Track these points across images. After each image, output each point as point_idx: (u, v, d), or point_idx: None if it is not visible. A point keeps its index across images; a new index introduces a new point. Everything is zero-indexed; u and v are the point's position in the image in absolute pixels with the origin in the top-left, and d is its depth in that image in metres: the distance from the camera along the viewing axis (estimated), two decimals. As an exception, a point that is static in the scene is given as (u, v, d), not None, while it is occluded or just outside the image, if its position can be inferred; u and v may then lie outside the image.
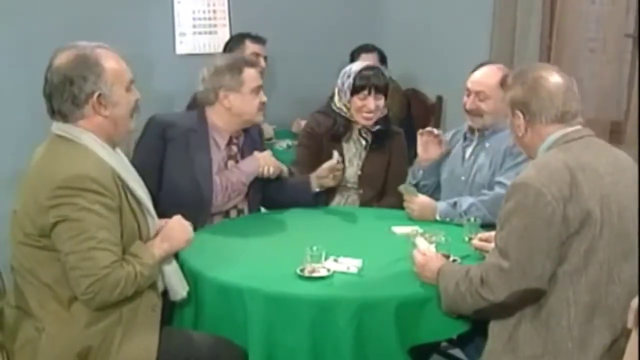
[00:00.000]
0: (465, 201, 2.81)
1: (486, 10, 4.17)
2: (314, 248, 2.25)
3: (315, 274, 2.21)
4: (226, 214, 2.95)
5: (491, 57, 4.05)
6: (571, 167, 1.95)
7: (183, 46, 4.28)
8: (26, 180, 2.05)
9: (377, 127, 3.20)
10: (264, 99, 2.91)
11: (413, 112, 4.66)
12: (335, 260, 2.30)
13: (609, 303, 1.96)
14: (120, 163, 2.14)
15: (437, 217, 2.83)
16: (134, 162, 2.59)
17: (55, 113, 2.07)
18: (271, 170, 2.90)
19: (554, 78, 2.10)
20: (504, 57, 4.05)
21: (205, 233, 2.70)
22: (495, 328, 2.06)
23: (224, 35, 4.38)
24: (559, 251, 1.93)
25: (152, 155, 2.80)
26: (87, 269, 1.94)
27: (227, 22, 4.47)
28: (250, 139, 3.03)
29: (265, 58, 4.17)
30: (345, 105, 3.17)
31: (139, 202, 2.13)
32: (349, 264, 2.29)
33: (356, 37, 4.59)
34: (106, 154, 2.07)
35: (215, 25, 4.44)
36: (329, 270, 2.24)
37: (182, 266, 2.37)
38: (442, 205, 2.84)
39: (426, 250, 2.27)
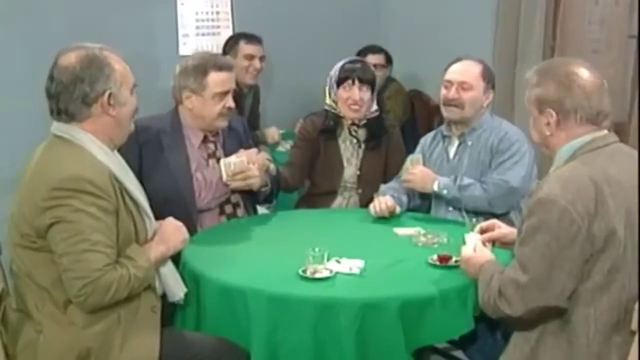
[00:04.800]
0: (466, 179, 2.84)
1: (489, 12, 4.17)
2: (316, 249, 2.25)
3: (317, 275, 2.21)
4: (221, 209, 2.94)
5: (494, 58, 4.06)
6: (597, 182, 1.88)
7: (186, 47, 4.27)
8: (24, 182, 2.05)
9: (364, 121, 3.21)
10: (231, 104, 2.85)
11: (416, 113, 4.66)
12: (338, 261, 2.30)
13: (628, 320, 1.91)
14: (118, 165, 2.14)
15: (435, 188, 2.86)
16: None
17: (62, 112, 2.06)
18: (256, 166, 2.86)
19: (587, 74, 2.00)
20: (507, 59, 4.06)
21: (207, 234, 2.72)
22: (518, 339, 2.01)
23: (227, 37, 4.38)
24: (581, 269, 1.88)
25: (130, 161, 2.80)
26: (80, 271, 1.94)
27: (230, 23, 4.47)
28: (233, 134, 3.02)
29: (262, 58, 4.15)
30: (334, 101, 3.21)
31: (136, 203, 2.13)
32: (351, 265, 2.28)
33: (359, 38, 4.60)
34: (104, 156, 2.08)
35: (218, 27, 4.44)
36: (331, 271, 2.24)
37: (184, 267, 2.38)
38: (443, 178, 2.87)
39: (476, 246, 2.21)
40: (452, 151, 2.99)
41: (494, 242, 2.30)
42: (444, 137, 3.05)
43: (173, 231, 2.22)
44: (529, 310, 1.90)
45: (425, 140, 3.14)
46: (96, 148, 2.07)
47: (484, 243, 2.25)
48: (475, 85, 2.90)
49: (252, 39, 4.14)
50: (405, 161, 3.01)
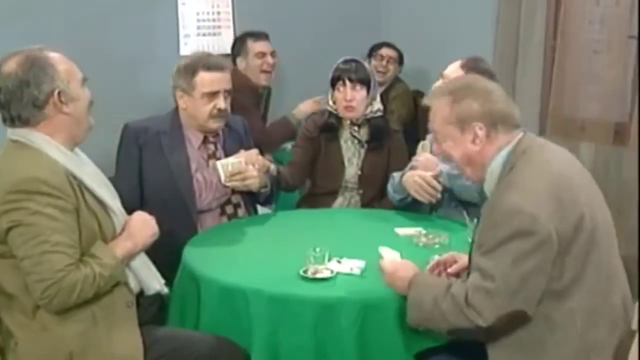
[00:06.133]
0: None
1: (490, 12, 4.17)
2: (317, 249, 2.25)
3: (318, 275, 2.22)
4: (222, 209, 2.94)
5: (495, 58, 4.05)
6: (549, 180, 1.92)
7: (187, 48, 4.28)
8: None
9: (363, 120, 3.22)
10: (221, 105, 2.83)
11: (418, 114, 4.66)
12: (339, 262, 2.30)
13: (610, 301, 1.96)
14: (78, 164, 2.11)
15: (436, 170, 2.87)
16: (118, 173, 2.60)
17: (15, 119, 2.04)
18: (256, 167, 2.87)
19: (493, 83, 2.09)
20: (507, 59, 4.06)
21: (207, 234, 2.72)
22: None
23: (228, 37, 4.38)
24: (549, 272, 1.89)
25: (130, 163, 2.81)
26: (42, 273, 1.92)
27: (231, 23, 4.47)
28: (234, 135, 3.03)
29: (273, 53, 4.12)
30: (334, 102, 3.22)
31: (100, 201, 2.10)
32: (352, 265, 2.29)
33: (360, 39, 4.60)
34: (61, 155, 2.05)
35: (219, 27, 4.44)
36: (332, 271, 2.24)
37: (184, 268, 2.38)
38: (445, 166, 2.87)
39: (393, 258, 2.22)
40: None
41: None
42: None
43: (141, 226, 2.18)
44: (499, 317, 1.89)
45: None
46: (52, 148, 2.04)
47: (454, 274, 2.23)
48: (450, 74, 2.93)
49: (258, 36, 4.11)
50: (420, 144, 3.05)
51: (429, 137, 3.16)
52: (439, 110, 2.08)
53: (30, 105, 2.02)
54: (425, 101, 2.14)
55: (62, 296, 1.94)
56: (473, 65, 2.93)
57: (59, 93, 2.04)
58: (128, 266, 2.14)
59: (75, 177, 2.04)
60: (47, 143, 2.04)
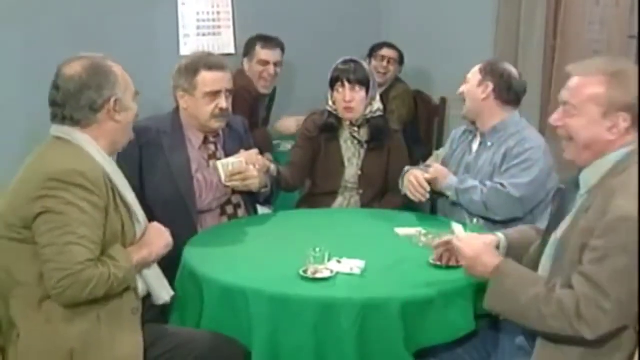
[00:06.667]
0: (471, 182, 2.85)
1: (490, 12, 4.18)
2: (317, 249, 2.25)
3: (318, 275, 2.21)
4: (222, 210, 2.94)
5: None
6: None
7: (187, 48, 4.28)
8: (17, 177, 2.07)
9: (363, 121, 3.21)
10: (223, 105, 2.83)
11: (418, 113, 4.67)
12: (339, 262, 2.30)
13: None
14: (114, 169, 2.16)
15: (442, 186, 2.90)
16: None
17: (67, 119, 2.10)
18: (256, 167, 2.87)
19: None
20: (507, 59, 4.04)
21: (207, 234, 2.72)
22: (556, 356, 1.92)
23: (228, 37, 4.39)
24: None
25: (131, 163, 2.80)
26: (62, 262, 1.94)
27: (231, 23, 4.47)
28: (234, 135, 3.02)
29: (278, 63, 4.10)
30: (333, 103, 3.22)
31: (127, 207, 2.14)
32: (352, 265, 2.29)
33: (361, 39, 4.60)
34: (100, 157, 2.11)
35: (219, 27, 4.45)
36: (332, 271, 2.24)
37: (184, 268, 2.38)
38: (452, 178, 2.91)
39: (465, 236, 2.14)
40: (474, 148, 3.00)
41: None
42: (470, 132, 3.06)
43: (156, 236, 2.22)
44: (607, 332, 1.80)
45: (456, 133, 3.16)
46: (93, 149, 2.11)
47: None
48: (471, 78, 2.95)
49: (268, 42, 4.08)
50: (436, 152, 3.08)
51: (448, 142, 3.17)
52: (588, 85, 1.91)
53: (86, 108, 2.10)
54: (572, 69, 1.97)
55: (76, 289, 1.96)
56: (491, 68, 2.93)
57: (115, 101, 2.12)
58: (141, 274, 2.17)
59: (110, 180, 2.10)
60: (89, 144, 2.11)
